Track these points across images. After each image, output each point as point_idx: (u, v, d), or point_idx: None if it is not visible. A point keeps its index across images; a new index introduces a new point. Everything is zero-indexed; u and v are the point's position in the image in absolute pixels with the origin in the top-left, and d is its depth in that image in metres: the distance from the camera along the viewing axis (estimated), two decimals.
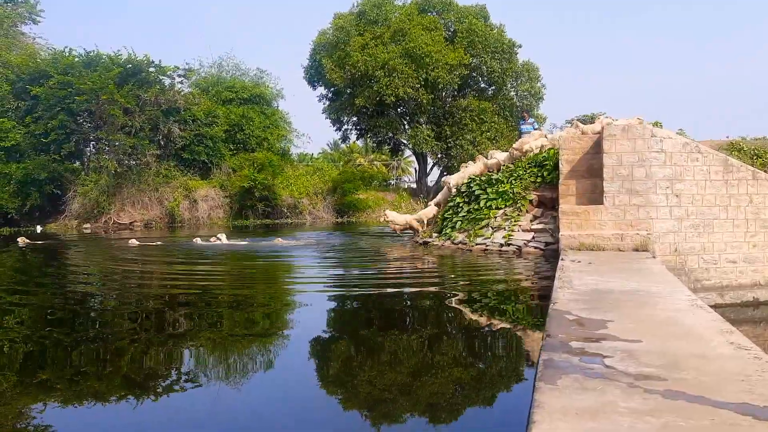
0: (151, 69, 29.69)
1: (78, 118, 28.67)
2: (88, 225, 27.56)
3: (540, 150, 13.93)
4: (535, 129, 17.28)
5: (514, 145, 14.66)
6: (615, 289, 5.80)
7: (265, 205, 31.48)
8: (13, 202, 26.79)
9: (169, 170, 30.27)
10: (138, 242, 16.46)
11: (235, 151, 33.26)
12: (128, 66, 28.78)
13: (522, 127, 17.58)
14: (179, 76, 31.93)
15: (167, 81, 31.04)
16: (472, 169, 14.62)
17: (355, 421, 3.70)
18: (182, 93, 31.60)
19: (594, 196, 10.69)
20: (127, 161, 29.01)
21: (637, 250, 9.39)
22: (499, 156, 14.58)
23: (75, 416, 3.87)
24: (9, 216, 27.06)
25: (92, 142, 30.46)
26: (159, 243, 17.18)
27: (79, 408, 4.00)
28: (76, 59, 28.87)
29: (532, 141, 14.28)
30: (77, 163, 30.44)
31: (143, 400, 4.09)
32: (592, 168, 10.94)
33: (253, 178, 30.39)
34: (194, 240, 16.59)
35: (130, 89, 28.02)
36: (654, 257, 8.92)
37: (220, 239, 16.07)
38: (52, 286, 9.67)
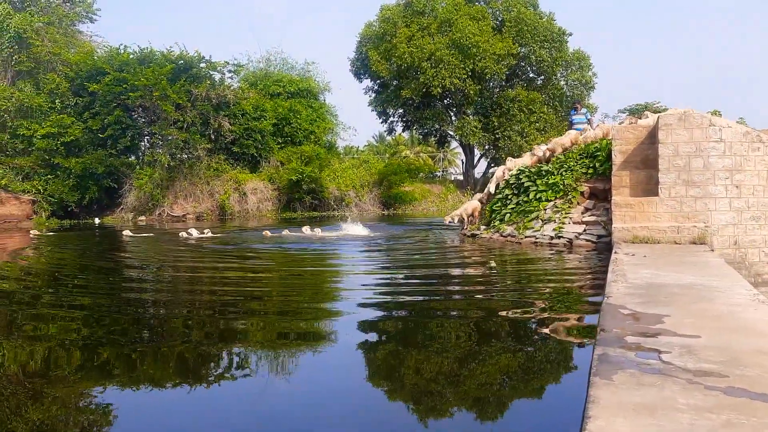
0: (202, 65, 30.28)
1: (133, 113, 29.51)
2: (143, 217, 28.36)
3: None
4: (587, 119, 16.87)
5: (568, 139, 14.35)
6: (671, 283, 5.66)
7: (312, 197, 31.81)
8: (73, 195, 27.78)
9: (219, 164, 30.87)
10: (131, 233, 17.74)
11: (282, 145, 33.67)
12: (180, 62, 29.42)
13: (573, 117, 17.14)
14: (229, 71, 32.50)
15: (217, 76, 31.62)
16: (522, 161, 14.42)
17: (403, 415, 3.72)
18: (232, 88, 32.11)
19: (649, 187, 10.44)
20: (179, 155, 29.70)
21: (694, 243, 9.13)
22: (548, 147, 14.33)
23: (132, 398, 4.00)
24: (69, 209, 28.08)
25: (146, 137, 31.33)
26: (151, 235, 18.31)
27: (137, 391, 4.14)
28: (131, 56, 29.67)
29: (565, 139, 14.05)
30: (132, 157, 31.36)
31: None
32: (646, 159, 10.68)
33: (301, 171, 30.74)
34: (180, 234, 16.98)
35: (182, 85, 28.63)
36: (712, 250, 8.67)
37: (191, 234, 16.62)
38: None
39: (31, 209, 27.18)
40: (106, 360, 4.89)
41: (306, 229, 16.63)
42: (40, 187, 27.37)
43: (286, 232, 17.17)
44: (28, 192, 27.10)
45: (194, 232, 16.61)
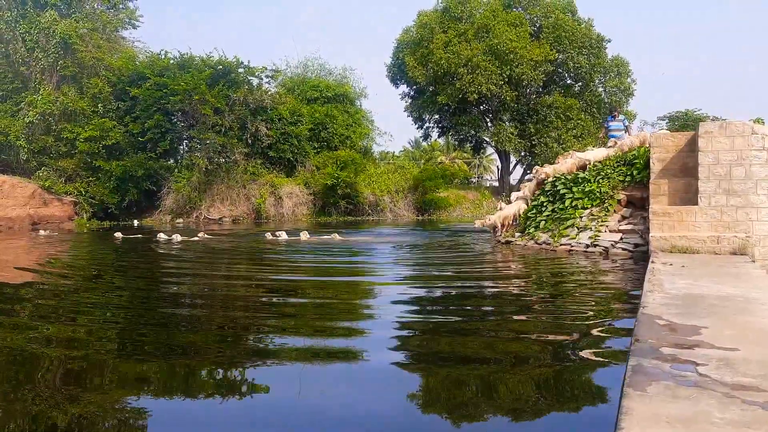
0: (241, 70, 30.70)
1: (172, 117, 30.11)
2: (180, 220, 28.84)
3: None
4: (625, 127, 16.52)
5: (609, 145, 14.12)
6: (710, 294, 5.53)
7: (347, 202, 31.94)
8: (113, 197, 28.43)
9: (256, 168, 31.25)
10: (122, 235, 18.55)
11: (318, 149, 33.91)
12: (219, 67, 29.88)
13: (610, 123, 16.80)
14: (266, 76, 32.84)
15: (255, 81, 32.03)
16: (561, 167, 14.18)
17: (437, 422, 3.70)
18: (269, 93, 32.50)
19: (688, 196, 10.24)
20: (217, 159, 30.14)
21: (734, 253, 8.91)
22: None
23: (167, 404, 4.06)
24: (109, 211, 28.72)
25: (185, 141, 31.91)
26: (139, 236, 18.92)
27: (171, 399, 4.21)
28: (171, 61, 30.26)
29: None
30: (171, 160, 31.94)
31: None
32: (686, 167, 10.48)
33: (336, 176, 30.90)
34: (159, 235, 17.57)
35: (221, 90, 29.08)
36: (753, 261, 8.44)
37: (163, 236, 17.14)
38: None
39: (73, 210, 27.90)
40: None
41: (280, 234, 17.05)
42: (81, 189, 28.07)
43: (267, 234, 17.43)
44: (70, 194, 27.82)
45: (163, 236, 17.21)
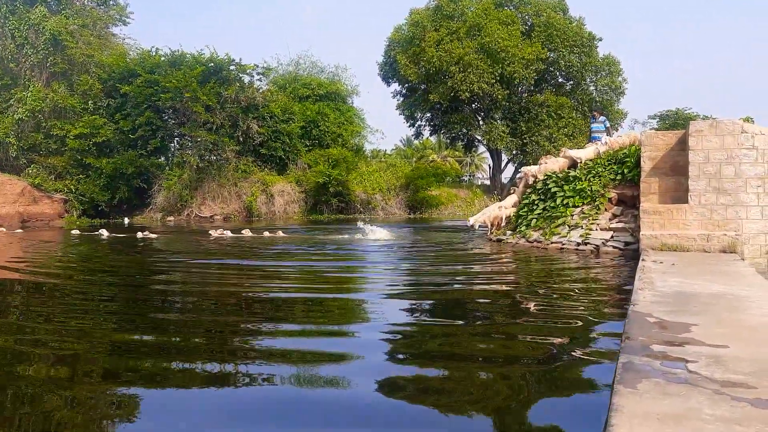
0: (232, 67, 30.58)
1: (163, 115, 29.98)
2: (171, 218, 28.72)
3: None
4: (606, 128, 16.48)
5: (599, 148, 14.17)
6: (701, 292, 5.56)
7: (339, 200, 31.93)
8: (104, 195, 28.28)
9: (247, 166, 31.17)
10: (79, 232, 19.19)
11: (310, 147, 33.88)
12: (210, 65, 29.77)
13: (592, 125, 16.80)
14: (258, 74, 32.75)
15: (247, 79, 31.92)
16: (552, 165, 14.22)
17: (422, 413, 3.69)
18: (261, 90, 32.42)
19: (678, 194, 10.30)
20: (208, 157, 30.06)
21: (724, 251, 8.96)
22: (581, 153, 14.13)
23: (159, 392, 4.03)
24: (99, 208, 28.57)
25: (176, 138, 31.81)
26: (98, 233, 18.97)
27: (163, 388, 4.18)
28: (162, 59, 30.12)
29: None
30: (162, 158, 31.82)
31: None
32: (676, 165, 10.53)
33: (328, 174, 30.87)
34: (100, 231, 18.42)
35: (212, 87, 28.97)
36: (743, 259, 8.50)
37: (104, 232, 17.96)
38: None
39: (63, 208, 27.74)
40: None
41: (225, 232, 17.38)
42: (72, 187, 27.93)
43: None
44: (61, 191, 27.67)
45: (105, 232, 17.97)
